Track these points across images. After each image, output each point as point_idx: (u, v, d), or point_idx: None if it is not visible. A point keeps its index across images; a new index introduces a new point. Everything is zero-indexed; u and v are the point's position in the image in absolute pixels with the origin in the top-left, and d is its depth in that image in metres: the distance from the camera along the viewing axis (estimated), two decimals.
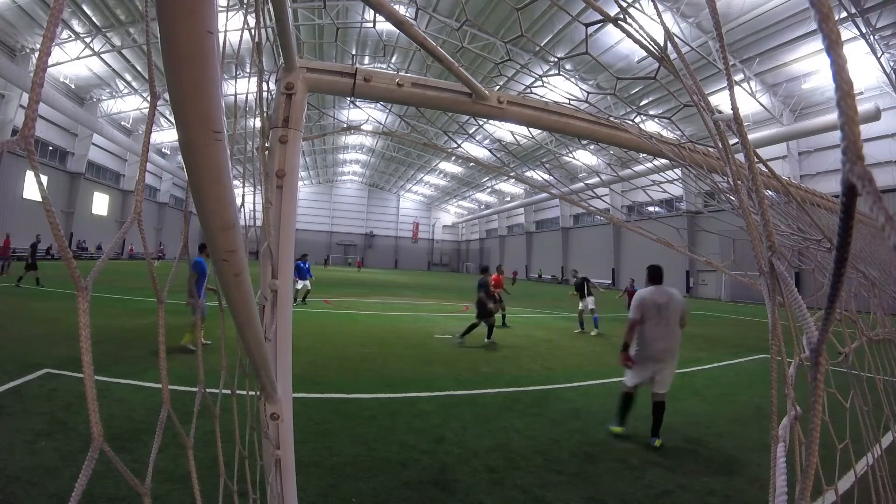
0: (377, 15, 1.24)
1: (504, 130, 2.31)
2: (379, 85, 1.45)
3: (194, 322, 6.80)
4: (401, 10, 3.64)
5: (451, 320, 12.03)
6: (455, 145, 2.44)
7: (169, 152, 41.47)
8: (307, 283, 13.30)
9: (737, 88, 15.80)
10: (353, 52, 24.60)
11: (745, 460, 3.74)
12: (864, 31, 16.49)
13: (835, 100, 0.31)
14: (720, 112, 1.05)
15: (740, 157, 1.02)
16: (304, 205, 60.88)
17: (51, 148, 30.19)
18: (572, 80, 21.75)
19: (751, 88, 22.26)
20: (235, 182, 0.72)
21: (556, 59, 24.32)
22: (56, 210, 0.43)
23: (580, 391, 5.69)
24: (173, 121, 0.53)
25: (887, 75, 18.70)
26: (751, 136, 6.89)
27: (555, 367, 7.04)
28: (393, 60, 24.57)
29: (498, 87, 20.75)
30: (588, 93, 2.08)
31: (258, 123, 1.34)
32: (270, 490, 1.20)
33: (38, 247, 15.00)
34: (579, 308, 11.48)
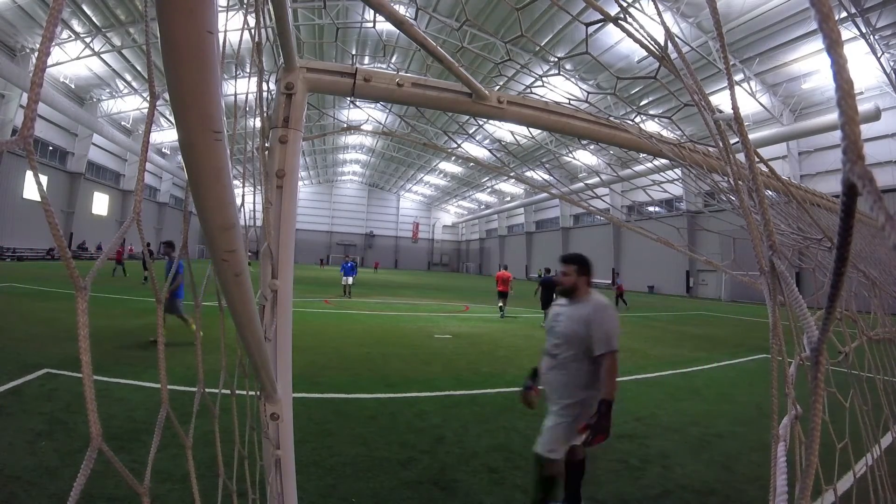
0: (377, 15, 1.24)
1: (504, 130, 2.31)
2: (379, 85, 1.45)
3: (186, 318, 7.03)
4: (401, 10, 3.64)
5: (451, 320, 12.02)
6: (455, 145, 2.43)
7: (169, 152, 41.46)
8: (351, 279, 16.74)
9: (737, 88, 15.81)
10: (353, 52, 24.61)
11: (745, 460, 3.74)
12: (864, 31, 16.49)
13: (835, 100, 0.31)
14: (720, 112, 1.05)
15: (740, 156, 1.02)
16: (304, 205, 60.88)
17: (51, 148, 30.19)
18: (572, 80, 21.74)
19: (751, 88, 22.26)
20: (235, 182, 0.72)
21: (556, 59, 24.33)
22: (56, 210, 0.43)
23: None
24: (173, 121, 0.53)
25: (887, 75, 18.70)
26: (751, 136, 6.89)
27: None
28: (393, 60, 24.57)
29: (498, 87, 20.75)
30: (588, 93, 2.08)
31: (258, 123, 1.34)
32: (270, 490, 1.20)
33: (152, 253, 16.28)
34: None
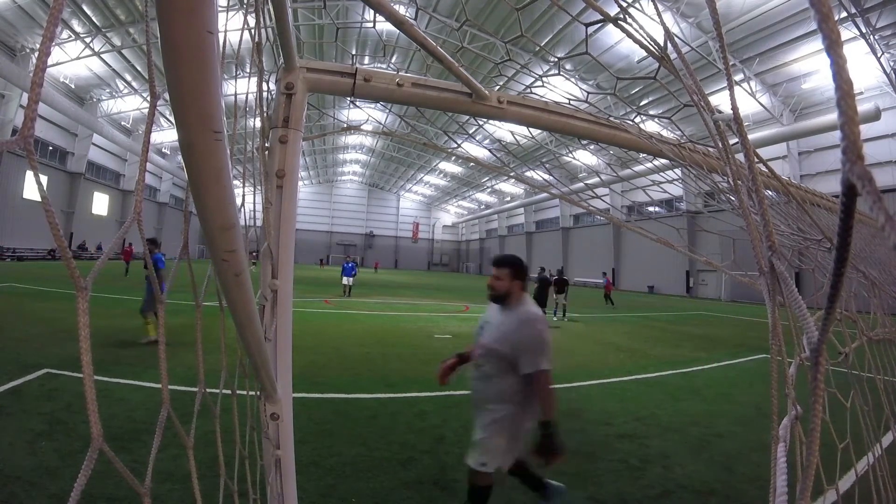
0: (377, 15, 1.24)
1: (504, 130, 2.31)
2: (379, 85, 1.45)
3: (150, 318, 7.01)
4: (401, 10, 3.63)
5: (451, 320, 12.02)
6: (455, 145, 2.44)
7: (169, 152, 41.46)
8: (351, 279, 17.29)
9: (737, 88, 15.81)
10: (353, 52, 24.61)
11: (745, 460, 3.74)
12: (864, 31, 16.49)
13: (835, 100, 0.31)
14: (720, 112, 1.05)
15: (740, 157, 1.02)
16: (304, 205, 60.87)
17: (51, 148, 30.18)
18: (572, 80, 21.74)
19: (751, 88, 22.26)
20: (235, 182, 0.72)
21: (556, 59, 24.32)
22: (56, 210, 0.44)
23: (580, 391, 5.69)
24: (173, 121, 0.53)
25: (887, 75, 18.70)
26: (751, 136, 6.88)
27: (555, 367, 7.03)
28: (393, 60, 24.57)
29: (498, 87, 20.75)
30: (588, 93, 2.08)
31: (258, 123, 1.34)
32: (270, 490, 1.20)
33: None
34: (555, 302, 13.81)
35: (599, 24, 15.05)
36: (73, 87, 27.81)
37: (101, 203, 36.56)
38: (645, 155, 1.83)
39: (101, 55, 24.24)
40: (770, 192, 1.83)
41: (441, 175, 55.64)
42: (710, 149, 1.60)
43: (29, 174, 26.91)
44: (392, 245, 68.04)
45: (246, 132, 1.47)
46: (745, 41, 20.21)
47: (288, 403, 1.26)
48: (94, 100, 30.01)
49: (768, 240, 0.76)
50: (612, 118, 1.73)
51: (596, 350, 8.71)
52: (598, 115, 1.69)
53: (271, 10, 1.18)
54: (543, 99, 1.65)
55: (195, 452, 0.82)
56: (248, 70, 1.28)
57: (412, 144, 39.54)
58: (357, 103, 1.81)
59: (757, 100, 22.74)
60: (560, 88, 2.06)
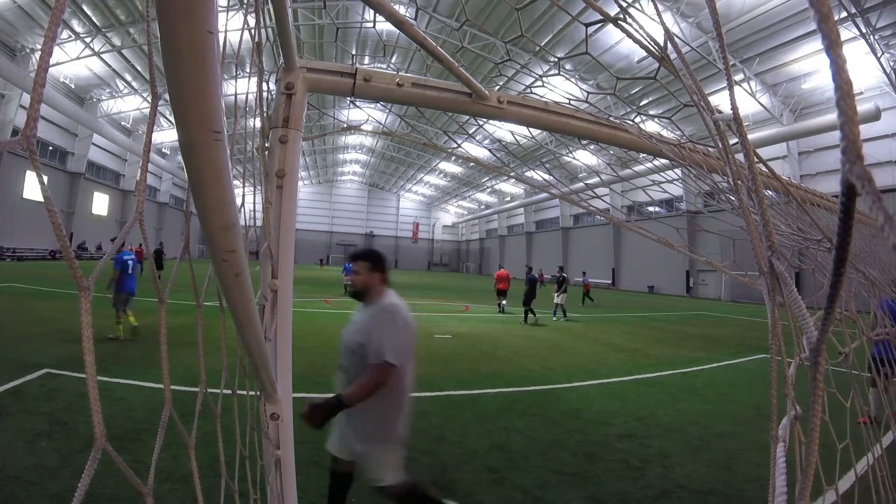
0: (377, 15, 1.24)
1: (504, 130, 2.31)
2: (379, 85, 1.46)
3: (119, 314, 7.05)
4: (401, 10, 3.64)
5: (450, 320, 12.02)
6: (455, 145, 2.44)
7: (169, 152, 41.46)
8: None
9: (737, 88, 15.80)
10: (353, 52, 24.59)
11: (745, 460, 3.74)
12: (864, 31, 16.49)
13: (835, 100, 0.31)
14: (720, 112, 1.05)
15: (740, 157, 1.02)
16: (304, 205, 60.83)
17: (51, 148, 30.18)
18: (572, 80, 21.73)
19: (751, 88, 22.25)
20: (235, 182, 0.72)
21: (556, 59, 24.32)
22: (56, 210, 0.43)
23: (580, 391, 5.69)
24: (173, 121, 0.53)
25: (887, 75, 18.70)
26: (751, 136, 6.89)
27: (555, 367, 7.03)
28: (393, 60, 24.56)
29: (498, 87, 20.75)
30: (588, 93, 2.09)
31: (258, 123, 1.34)
32: (270, 490, 1.20)
33: (162, 252, 16.37)
34: (555, 301, 13.92)
35: (599, 24, 15.04)
36: (73, 87, 27.80)
37: (101, 203, 36.56)
38: (645, 155, 1.83)
39: (101, 55, 24.24)
40: (770, 192, 1.83)
41: (441, 175, 55.62)
42: (710, 149, 1.60)
43: (29, 174, 26.93)
44: (392, 245, 68.00)
45: (246, 132, 1.47)
46: (745, 41, 20.21)
47: (288, 403, 1.26)
48: (94, 100, 30.01)
49: (768, 240, 0.76)
50: (612, 118, 1.74)
51: (596, 350, 8.71)
52: (598, 115, 1.69)
53: (271, 10, 1.18)
54: (543, 99, 1.65)
55: (195, 452, 0.82)
56: (248, 70, 1.28)
57: (412, 144, 39.53)
58: (357, 103, 1.82)
59: (757, 100, 22.74)
60: (560, 88, 2.06)
